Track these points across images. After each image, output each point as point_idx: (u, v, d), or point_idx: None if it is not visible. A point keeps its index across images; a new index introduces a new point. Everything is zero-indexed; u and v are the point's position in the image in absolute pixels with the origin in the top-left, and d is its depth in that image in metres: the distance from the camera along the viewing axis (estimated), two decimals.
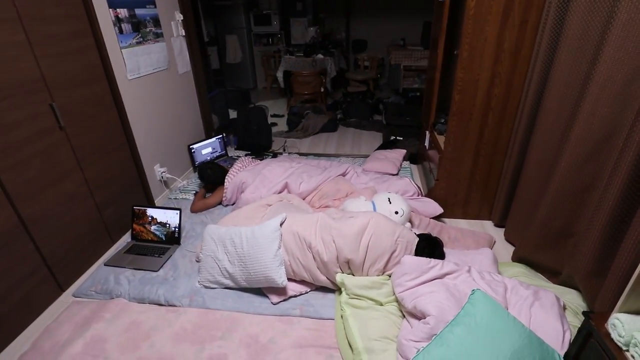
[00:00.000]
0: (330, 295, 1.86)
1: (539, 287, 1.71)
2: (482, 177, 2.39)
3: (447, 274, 1.68)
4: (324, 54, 5.40)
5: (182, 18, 3.05)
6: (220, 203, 2.71)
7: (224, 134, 3.59)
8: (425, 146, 3.07)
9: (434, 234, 2.11)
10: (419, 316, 1.53)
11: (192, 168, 3.37)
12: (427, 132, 2.94)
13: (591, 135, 1.57)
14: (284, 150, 3.80)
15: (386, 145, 3.70)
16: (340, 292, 1.81)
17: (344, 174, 2.82)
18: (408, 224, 2.17)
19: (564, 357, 1.37)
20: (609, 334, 1.18)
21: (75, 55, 2.03)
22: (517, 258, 2.09)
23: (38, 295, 1.87)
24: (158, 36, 2.75)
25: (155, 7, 2.71)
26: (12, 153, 1.70)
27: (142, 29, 2.56)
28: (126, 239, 2.43)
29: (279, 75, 5.50)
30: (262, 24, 6.25)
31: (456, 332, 1.32)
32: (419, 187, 2.68)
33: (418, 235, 1.90)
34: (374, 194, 2.37)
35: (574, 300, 1.75)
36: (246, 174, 2.68)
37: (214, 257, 1.91)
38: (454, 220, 2.55)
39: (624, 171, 1.37)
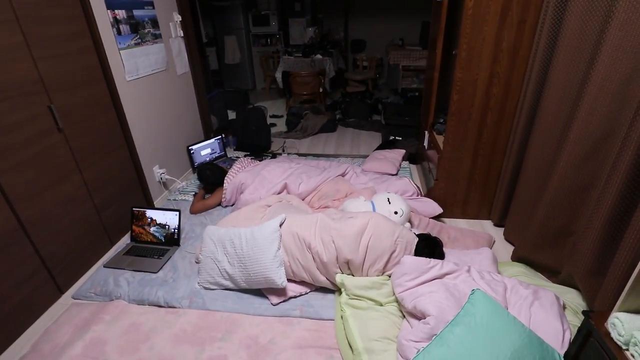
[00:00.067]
0: (330, 296, 1.86)
1: (539, 286, 1.71)
2: (481, 177, 2.40)
3: (446, 273, 1.68)
4: (322, 54, 5.40)
5: (180, 19, 3.05)
6: (219, 204, 2.70)
7: (223, 135, 3.59)
8: (424, 146, 3.07)
9: (434, 234, 2.11)
10: (419, 316, 1.53)
11: (191, 169, 3.37)
12: (426, 132, 2.95)
13: (590, 134, 1.58)
14: (283, 150, 3.79)
15: (385, 145, 3.70)
16: (340, 293, 1.81)
17: (343, 174, 2.82)
18: (407, 224, 2.17)
19: (564, 357, 1.37)
20: (608, 333, 1.18)
21: (73, 56, 2.03)
22: (516, 257, 2.09)
23: (37, 298, 1.87)
24: (156, 37, 2.74)
25: (154, 8, 2.70)
26: (10, 155, 1.69)
27: (140, 30, 2.56)
28: (125, 240, 2.43)
29: (278, 75, 5.50)
30: (261, 25, 6.25)
31: (456, 332, 1.32)
32: (418, 187, 2.68)
33: (417, 235, 1.90)
34: (374, 194, 2.38)
35: (574, 299, 1.75)
36: (245, 175, 2.68)
37: (213, 259, 1.91)
38: (453, 220, 2.55)
39: (623, 170, 1.38)
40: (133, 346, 1.62)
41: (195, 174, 3.18)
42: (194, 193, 2.90)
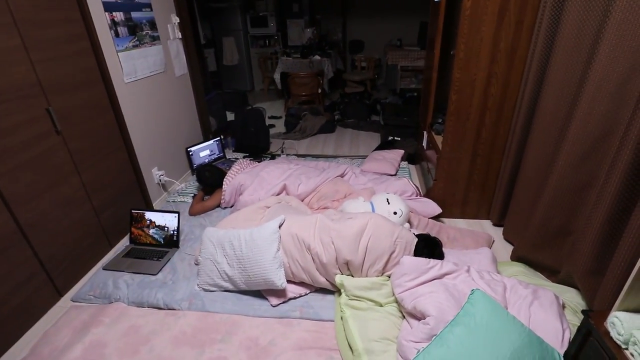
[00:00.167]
0: (329, 297, 1.86)
1: (538, 286, 1.72)
2: (480, 177, 2.40)
3: (446, 274, 1.68)
4: (321, 55, 5.41)
5: (178, 21, 3.05)
6: (218, 205, 2.70)
7: (222, 136, 3.59)
8: (423, 146, 3.07)
9: (433, 234, 2.12)
10: (418, 317, 1.53)
11: (190, 171, 3.37)
12: (425, 132, 2.95)
13: (588, 133, 1.58)
14: (282, 151, 3.79)
15: (384, 145, 3.70)
16: (340, 294, 1.80)
17: (342, 175, 2.82)
18: (407, 225, 2.17)
19: (564, 356, 1.37)
20: (608, 333, 1.18)
21: (71, 59, 2.02)
22: (516, 257, 2.09)
23: (36, 301, 1.86)
24: (154, 39, 2.74)
25: (152, 10, 2.70)
26: (8, 158, 1.69)
27: (138, 32, 2.55)
28: (124, 242, 2.43)
29: (276, 76, 5.50)
30: (259, 26, 6.26)
31: (456, 332, 1.32)
32: (417, 188, 2.68)
33: (417, 236, 1.91)
34: (373, 195, 2.38)
35: (573, 298, 1.75)
36: (244, 176, 2.67)
37: (212, 260, 1.91)
38: (452, 220, 2.56)
39: (621, 169, 1.38)
40: (133, 348, 1.62)
41: (194, 175, 3.18)
42: (193, 195, 2.89)
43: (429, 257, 1.77)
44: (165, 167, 2.94)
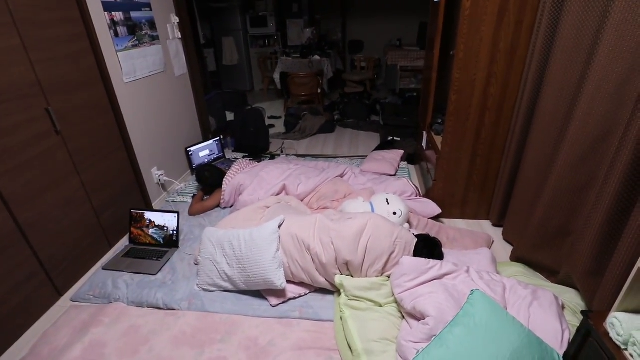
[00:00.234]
0: (329, 297, 1.86)
1: (538, 286, 1.72)
2: (480, 177, 2.40)
3: (446, 274, 1.69)
4: (320, 55, 5.41)
5: (178, 20, 3.05)
6: (218, 205, 2.70)
7: (222, 136, 3.59)
8: (422, 147, 3.07)
9: (433, 235, 2.12)
10: (418, 317, 1.53)
11: (189, 171, 3.37)
12: (425, 133, 2.95)
13: (587, 134, 1.58)
14: (282, 152, 3.79)
15: (384, 146, 3.70)
16: (340, 294, 1.80)
17: (342, 175, 2.82)
18: (406, 225, 2.17)
19: (563, 357, 1.37)
20: (607, 333, 1.19)
21: (70, 59, 2.02)
22: (515, 257, 2.09)
23: (36, 300, 1.86)
24: (154, 39, 2.74)
25: (151, 10, 2.70)
26: (8, 158, 1.69)
27: (137, 32, 2.55)
28: (124, 242, 2.42)
29: (276, 76, 5.50)
30: (259, 26, 6.25)
31: (455, 332, 1.32)
32: (416, 188, 2.68)
33: (416, 236, 1.91)
34: (372, 195, 2.38)
35: (573, 299, 1.75)
36: (244, 176, 2.67)
37: (212, 260, 1.91)
38: (452, 221, 2.56)
39: (620, 170, 1.38)
40: (132, 348, 1.62)
41: (194, 175, 3.18)
42: (192, 195, 2.89)
43: (429, 258, 1.77)
44: (164, 167, 2.94)
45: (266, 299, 1.84)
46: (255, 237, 1.85)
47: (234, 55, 6.32)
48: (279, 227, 1.91)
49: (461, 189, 2.46)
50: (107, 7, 2.27)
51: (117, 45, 2.36)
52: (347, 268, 1.80)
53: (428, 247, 1.85)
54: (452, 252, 2.01)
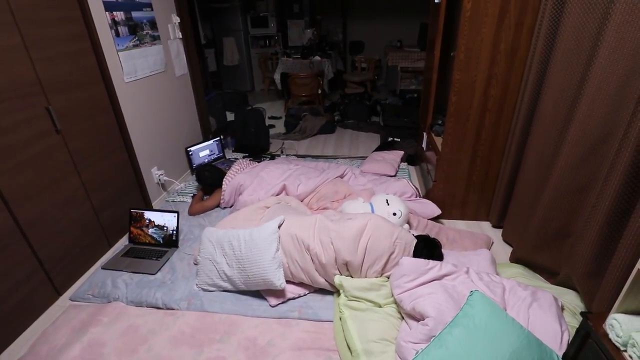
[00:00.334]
0: (328, 297, 1.86)
1: (537, 287, 1.72)
2: (480, 178, 2.40)
3: (445, 275, 1.68)
4: (321, 56, 5.41)
5: (178, 20, 3.05)
6: (218, 205, 2.70)
7: (222, 136, 3.59)
8: (422, 147, 3.07)
9: (432, 235, 2.12)
10: (417, 318, 1.53)
11: (189, 171, 3.37)
12: (425, 134, 2.95)
13: (587, 136, 1.58)
14: (282, 152, 3.79)
15: (384, 146, 3.70)
16: (339, 294, 1.80)
17: (342, 176, 2.82)
18: (406, 226, 2.17)
19: (563, 358, 1.37)
20: (606, 335, 1.19)
21: (71, 58, 2.02)
22: (515, 259, 2.09)
23: (35, 300, 1.86)
24: (155, 39, 2.74)
25: (152, 9, 2.71)
26: (8, 157, 1.69)
27: (138, 31, 2.56)
28: (123, 242, 2.42)
29: (277, 77, 5.50)
30: (259, 26, 6.26)
31: (455, 333, 1.32)
32: (416, 189, 2.68)
33: (416, 237, 1.91)
34: (372, 196, 2.38)
35: (572, 300, 1.75)
36: (244, 176, 2.67)
37: (212, 260, 1.91)
38: (451, 222, 2.56)
39: (620, 171, 1.38)
40: (131, 348, 1.61)
41: (194, 175, 3.18)
42: (192, 194, 2.89)
43: (428, 258, 1.77)
44: (164, 167, 2.94)
45: (265, 299, 1.84)
46: (255, 237, 1.85)
47: (235, 56, 6.32)
48: (279, 227, 1.91)
49: (461, 190, 2.46)
50: (108, 7, 2.27)
51: (118, 44, 2.36)
52: (347, 268, 1.80)
53: (428, 248, 1.85)
54: (452, 253, 2.01)
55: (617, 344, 1.15)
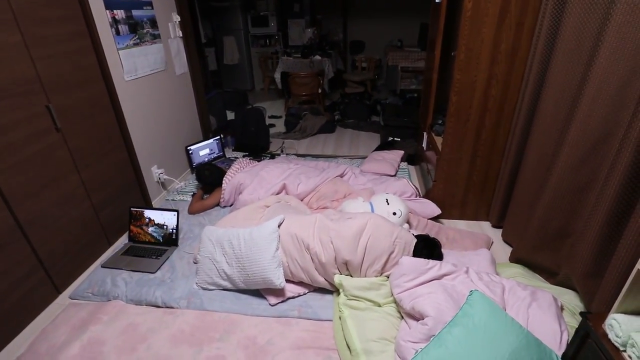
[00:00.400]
0: (328, 297, 1.86)
1: (537, 287, 1.72)
2: (480, 178, 2.40)
3: (445, 274, 1.69)
4: (321, 55, 5.41)
5: (179, 19, 3.05)
6: (218, 204, 2.70)
7: (222, 135, 3.59)
8: (422, 147, 3.07)
9: (432, 235, 2.12)
10: (417, 317, 1.53)
11: (189, 169, 3.37)
12: (425, 133, 2.95)
13: (588, 136, 1.58)
14: (282, 151, 3.79)
15: (384, 146, 3.70)
16: (339, 294, 1.80)
17: (342, 175, 2.82)
18: (406, 225, 2.17)
19: (562, 358, 1.37)
20: (606, 335, 1.19)
21: (71, 56, 2.02)
22: (514, 259, 2.09)
23: (34, 298, 1.86)
24: (155, 37, 2.74)
25: (152, 8, 2.70)
26: (8, 155, 1.69)
27: (139, 30, 2.55)
28: (123, 240, 2.42)
29: (277, 76, 5.50)
30: (260, 26, 6.26)
31: (454, 333, 1.32)
32: (416, 188, 2.68)
33: (416, 237, 1.91)
34: (372, 195, 2.38)
35: (572, 300, 1.75)
36: (244, 175, 2.67)
37: (211, 259, 1.91)
38: (451, 221, 2.56)
39: (621, 172, 1.38)
40: (130, 346, 1.61)
41: (194, 174, 3.17)
42: (192, 193, 2.89)
43: (428, 258, 1.77)
44: (164, 166, 2.94)
45: (265, 298, 1.84)
46: (255, 236, 1.85)
47: (235, 55, 6.32)
48: (279, 226, 1.91)
49: (461, 189, 2.46)
50: (109, 5, 2.27)
51: (118, 43, 2.36)
52: (347, 268, 1.80)
53: (427, 248, 1.85)
54: (452, 253, 2.01)
55: (616, 344, 1.15)
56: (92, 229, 2.23)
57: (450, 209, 2.54)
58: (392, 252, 1.78)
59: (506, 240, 2.32)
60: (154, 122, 2.79)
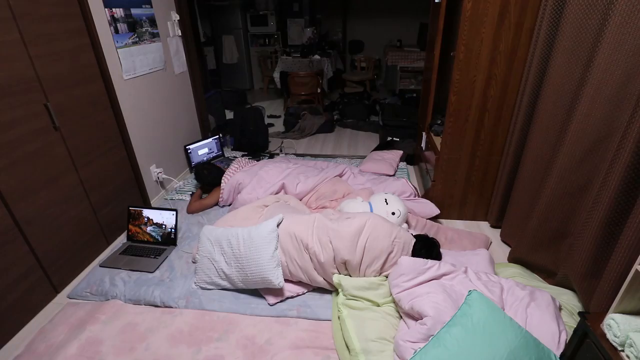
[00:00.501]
0: (327, 296, 1.86)
1: (535, 287, 1.72)
2: (479, 178, 2.40)
3: (443, 274, 1.69)
4: (320, 55, 5.41)
5: (178, 18, 3.04)
6: (216, 204, 2.70)
7: (221, 135, 3.58)
8: (421, 147, 3.07)
9: (431, 235, 2.12)
10: (416, 317, 1.53)
11: (188, 169, 3.36)
12: (424, 133, 2.95)
13: (586, 136, 1.59)
14: (281, 151, 3.79)
15: (383, 146, 3.71)
16: (337, 293, 1.80)
17: (340, 175, 2.82)
18: (405, 225, 2.17)
19: (560, 358, 1.38)
20: (604, 335, 1.19)
21: (70, 55, 2.02)
22: (513, 259, 2.10)
23: (32, 297, 1.85)
24: (154, 36, 2.74)
25: (151, 7, 2.70)
26: (6, 153, 1.68)
27: (138, 28, 2.55)
28: (122, 240, 2.42)
29: (276, 75, 5.50)
30: (259, 25, 6.25)
31: (453, 332, 1.32)
32: (415, 188, 2.68)
33: (415, 236, 1.91)
34: (371, 195, 2.38)
35: (570, 300, 1.76)
36: (243, 175, 2.67)
37: (210, 258, 1.90)
38: (450, 221, 2.56)
39: (619, 172, 1.38)
40: (129, 346, 1.61)
41: (193, 173, 3.17)
42: (191, 193, 2.89)
43: (427, 258, 1.77)
44: (163, 165, 2.93)
45: (264, 298, 1.84)
46: (254, 236, 1.85)
47: (234, 54, 6.31)
48: (278, 226, 1.91)
49: (460, 190, 2.47)
50: (108, 4, 2.26)
51: (117, 41, 2.35)
52: (345, 267, 1.80)
53: (426, 248, 1.85)
54: (450, 253, 2.02)
55: (614, 343, 1.15)
56: (90, 228, 2.22)
57: (449, 209, 2.55)
58: (391, 252, 1.78)
59: (505, 240, 2.32)
60: (153, 121, 2.78)
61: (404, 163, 3.37)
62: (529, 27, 1.91)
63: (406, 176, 3.06)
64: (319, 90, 4.98)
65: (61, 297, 1.98)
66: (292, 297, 1.85)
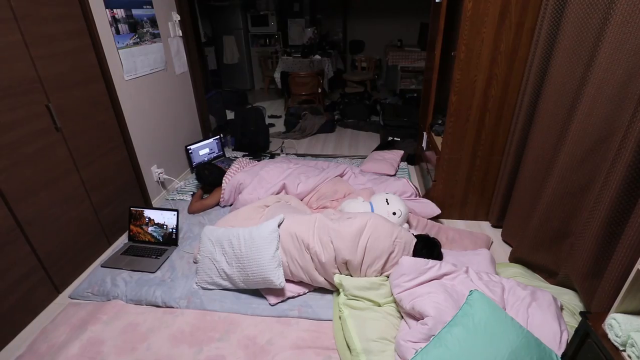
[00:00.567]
0: (328, 296, 1.86)
1: (536, 287, 1.72)
2: (480, 178, 2.40)
3: (445, 274, 1.69)
4: (321, 55, 5.41)
5: (179, 18, 3.04)
6: (217, 204, 2.70)
7: (222, 135, 3.59)
8: (422, 147, 3.07)
9: (432, 235, 2.12)
10: (417, 317, 1.53)
11: (189, 169, 3.36)
12: (425, 133, 2.95)
13: (588, 136, 1.58)
14: (282, 151, 3.79)
15: (384, 146, 3.70)
16: (339, 293, 1.80)
17: (341, 175, 2.82)
18: (406, 225, 2.17)
19: (562, 358, 1.38)
20: (606, 334, 1.19)
21: (71, 55, 2.02)
22: (514, 259, 2.09)
23: (34, 297, 1.86)
24: (155, 37, 2.74)
25: (152, 7, 2.70)
26: (7, 154, 1.69)
27: (139, 29, 2.55)
28: (123, 240, 2.42)
29: (277, 76, 5.50)
30: (260, 25, 6.25)
31: (454, 332, 1.32)
32: (416, 188, 2.68)
33: (416, 236, 1.91)
34: (372, 195, 2.38)
35: (571, 300, 1.75)
36: (244, 175, 2.67)
37: (211, 259, 1.90)
38: (451, 221, 2.56)
39: (620, 171, 1.38)
40: (130, 346, 1.61)
41: (194, 173, 3.17)
42: (192, 193, 2.89)
43: (428, 258, 1.77)
44: (164, 165, 2.93)
45: (265, 298, 1.84)
46: (255, 236, 1.85)
47: (235, 54, 6.31)
48: (279, 226, 1.91)
49: (461, 189, 2.47)
50: (109, 4, 2.26)
51: (118, 42, 2.36)
52: (347, 267, 1.80)
53: (427, 248, 1.85)
54: (451, 253, 2.02)
55: (616, 343, 1.15)
56: (91, 229, 2.22)
57: (450, 209, 2.55)
58: (392, 252, 1.78)
59: (506, 240, 2.32)
60: (154, 122, 2.79)
61: (405, 163, 3.37)
62: (529, 26, 1.91)
63: (407, 176, 3.05)
64: (319, 91, 4.98)
65: (63, 298, 1.99)
66: (293, 297, 1.85)
